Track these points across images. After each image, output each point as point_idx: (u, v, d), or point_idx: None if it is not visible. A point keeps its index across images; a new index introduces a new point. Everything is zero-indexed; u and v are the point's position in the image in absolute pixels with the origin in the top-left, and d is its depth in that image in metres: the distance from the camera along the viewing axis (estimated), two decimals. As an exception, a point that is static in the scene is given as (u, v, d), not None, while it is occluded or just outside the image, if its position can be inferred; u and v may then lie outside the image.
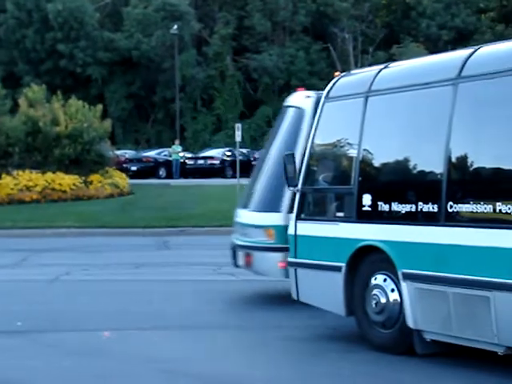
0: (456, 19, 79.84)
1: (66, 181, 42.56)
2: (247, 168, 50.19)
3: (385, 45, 77.37)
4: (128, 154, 60.80)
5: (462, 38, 68.45)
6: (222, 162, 60.50)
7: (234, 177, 45.72)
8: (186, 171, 59.40)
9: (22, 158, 43.31)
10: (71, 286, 20.81)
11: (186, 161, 61.52)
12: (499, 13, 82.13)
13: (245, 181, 40.91)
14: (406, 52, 64.92)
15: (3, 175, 41.44)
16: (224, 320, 15.71)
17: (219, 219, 34.37)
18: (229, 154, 59.86)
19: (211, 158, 62.29)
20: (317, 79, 71.08)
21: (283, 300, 14.42)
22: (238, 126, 42.72)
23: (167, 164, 60.49)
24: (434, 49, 59.65)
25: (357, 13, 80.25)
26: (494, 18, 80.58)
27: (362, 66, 50.25)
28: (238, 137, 40.27)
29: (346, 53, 74.21)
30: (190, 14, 76.55)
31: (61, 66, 74.15)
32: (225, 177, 55.81)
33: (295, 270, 14.00)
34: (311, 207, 14.08)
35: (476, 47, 12.47)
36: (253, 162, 57.02)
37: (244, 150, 56.65)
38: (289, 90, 74.41)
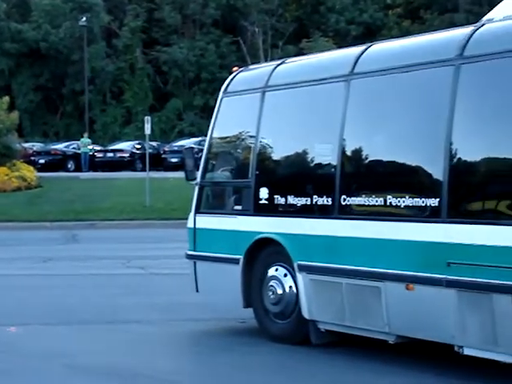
0: (364, 15, 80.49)
1: (-30, 174, 42.14)
2: (157, 161, 50.28)
3: (294, 39, 77.50)
4: (36, 146, 60.17)
5: (371, 33, 69.05)
6: (132, 154, 60.17)
7: (143, 170, 45.52)
8: (95, 164, 59.03)
9: None
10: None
11: (95, 154, 61.03)
12: (405, 9, 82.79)
13: (154, 174, 41.06)
14: (315, 46, 65.06)
15: None
16: (128, 314, 15.64)
17: (129, 212, 34.59)
18: (138, 146, 59.66)
19: (121, 150, 61.91)
20: (227, 73, 69.48)
21: (195, 294, 14.26)
22: (148, 118, 42.60)
23: (76, 157, 60.05)
24: (342, 43, 59.82)
25: (267, 7, 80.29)
26: (400, 14, 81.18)
27: (272, 59, 50.25)
28: (148, 130, 40.15)
29: (255, 46, 74.37)
30: (99, 5, 76.17)
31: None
32: (135, 170, 55.61)
33: (194, 262, 14.10)
34: (210, 200, 14.17)
35: (368, 44, 12.76)
36: (162, 155, 57.01)
37: (154, 143, 56.62)
38: (199, 83, 74.86)
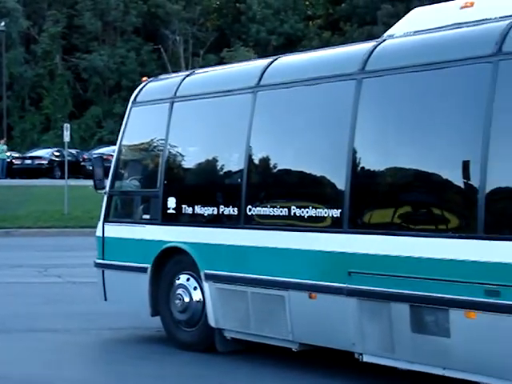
0: (285, 25, 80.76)
1: None
2: (76, 169, 50.00)
3: (216, 48, 77.67)
4: None
5: (291, 44, 69.37)
6: (51, 162, 59.62)
7: (62, 177, 45.26)
8: (12, 171, 58.33)
9: None
10: None
11: (13, 160, 60.42)
12: (326, 20, 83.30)
13: (73, 181, 40.89)
14: (236, 56, 65.11)
15: None
16: (45, 323, 15.45)
17: (46, 220, 34.40)
18: (57, 154, 59.15)
19: (39, 157, 61.38)
20: (148, 80, 70.58)
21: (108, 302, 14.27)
22: (67, 126, 42.43)
23: (-8, 164, 59.60)
24: (263, 53, 60.07)
25: (188, 15, 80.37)
26: (321, 25, 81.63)
27: (193, 68, 50.21)
28: (67, 137, 39.96)
29: (177, 55, 74.45)
30: (18, 10, 75.58)
31: None
32: (53, 177, 55.08)
33: (103, 271, 14.10)
34: (119, 209, 14.18)
35: (275, 57, 12.88)
36: (82, 163, 56.61)
37: (73, 151, 56.35)
38: (119, 90, 74.64)
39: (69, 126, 43.48)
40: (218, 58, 61.25)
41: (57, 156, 58.73)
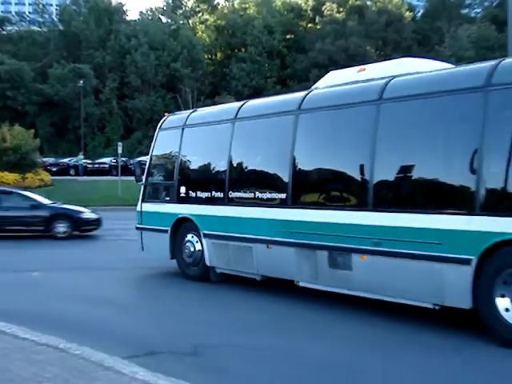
0: (253, 81, 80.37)
1: (10, 177, 41.53)
2: (125, 170, 49.58)
3: (211, 96, 76.90)
4: (50, 160, 58.62)
5: (257, 93, 68.75)
6: (110, 166, 58.94)
7: (117, 175, 44.91)
8: (87, 172, 57.96)
9: (-18, 163, 42.30)
10: None
11: (87, 165, 59.98)
12: (278, 79, 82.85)
13: (124, 177, 40.59)
14: (223, 101, 65.10)
15: (-32, 174, 40.44)
16: (107, 265, 15.35)
17: (108, 201, 34.65)
18: (114, 161, 57.96)
19: (103, 163, 60.68)
20: (169, 115, 70.97)
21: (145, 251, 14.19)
22: (120, 143, 42.62)
23: (75, 167, 58.96)
24: (239, 99, 59.78)
25: (194, 76, 79.66)
26: (275, 81, 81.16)
27: (196, 108, 49.98)
28: (120, 150, 40.21)
29: (186, 100, 73.65)
30: (90, 73, 74.93)
31: (8, 105, 72.05)
32: (112, 175, 54.32)
33: (141, 232, 14.11)
34: (150, 194, 14.03)
35: (245, 101, 12.87)
36: (129, 166, 56.34)
37: (124, 159, 55.55)
38: (152, 122, 74.41)
39: (121, 143, 43.44)
40: (212, 102, 60.52)
41: (114, 162, 57.94)
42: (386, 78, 9.74)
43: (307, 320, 9.27)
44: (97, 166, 60.82)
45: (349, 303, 9.85)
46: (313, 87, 11.56)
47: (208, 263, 12.36)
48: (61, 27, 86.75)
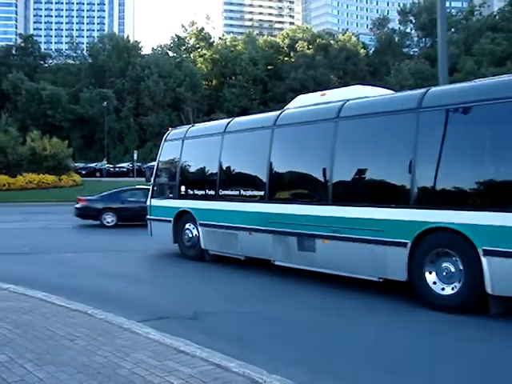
0: (241, 103, 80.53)
1: (49, 178, 41.52)
2: (139, 173, 49.26)
3: (207, 114, 76.58)
4: (80, 165, 58.11)
5: (244, 112, 68.15)
6: (128, 169, 58.68)
7: (133, 177, 44.76)
8: (109, 174, 57.57)
9: (27, 167, 41.96)
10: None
11: (109, 169, 59.45)
12: (261, 100, 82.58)
13: (138, 179, 40.35)
14: (217, 118, 64.87)
15: (18, 175, 40.49)
16: (122, 247, 15.21)
17: None
18: (131, 165, 57.78)
19: (122, 167, 60.44)
20: (175, 129, 70.37)
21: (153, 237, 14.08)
22: (135, 152, 42.85)
23: (100, 170, 58.52)
24: (231, 117, 59.62)
25: (194, 98, 79.40)
26: (259, 102, 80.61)
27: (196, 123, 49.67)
28: (135, 157, 40.39)
29: (188, 117, 73.26)
30: (112, 96, 74.80)
31: (48, 122, 71.55)
32: (129, 177, 54.07)
33: (150, 222, 13.94)
34: (158, 192, 13.84)
35: (232, 118, 12.72)
36: (142, 170, 56.04)
37: (139, 164, 55.25)
38: (162, 135, 74.03)
39: (136, 151, 43.52)
40: (208, 119, 60.27)
41: (130, 166, 57.66)
42: (342, 100, 9.74)
43: (286, 292, 9.22)
44: (117, 169, 60.50)
45: (317, 278, 9.82)
46: (285, 107, 11.51)
47: (203, 246, 12.27)
48: (90, 60, 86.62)
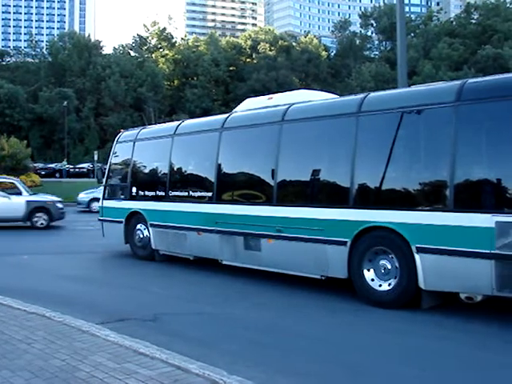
0: (203, 104, 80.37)
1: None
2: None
3: (169, 114, 76.25)
4: (40, 165, 57.31)
5: (206, 113, 68.02)
6: (88, 170, 58.01)
7: (93, 177, 44.25)
8: (69, 174, 56.89)
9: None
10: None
11: (70, 169, 58.86)
12: (223, 101, 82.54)
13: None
14: (179, 118, 64.52)
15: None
16: (82, 249, 15.12)
17: None
18: (91, 166, 57.32)
19: (82, 168, 59.92)
20: (136, 130, 69.79)
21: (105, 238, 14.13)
22: (96, 152, 42.49)
23: (60, 171, 57.78)
24: (193, 117, 59.44)
25: (156, 98, 79.00)
26: (220, 104, 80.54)
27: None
28: (95, 157, 40.10)
29: (149, 118, 72.80)
30: (73, 96, 73.93)
31: (6, 121, 70.22)
32: (89, 177, 53.56)
33: (102, 222, 13.91)
34: (109, 193, 13.84)
35: (182, 120, 12.95)
36: (103, 171, 55.59)
37: (99, 164, 54.78)
38: (122, 135, 73.46)
39: (97, 152, 43.15)
40: (170, 119, 59.97)
41: (91, 167, 57.09)
42: (287, 104, 9.97)
43: (242, 291, 9.29)
44: (77, 170, 59.87)
45: (271, 277, 9.93)
46: (233, 111, 11.65)
47: (153, 247, 12.30)
48: (49, 59, 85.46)
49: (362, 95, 8.90)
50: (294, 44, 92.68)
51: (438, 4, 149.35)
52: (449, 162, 7.30)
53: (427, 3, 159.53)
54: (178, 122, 12.59)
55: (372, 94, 8.85)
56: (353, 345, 6.28)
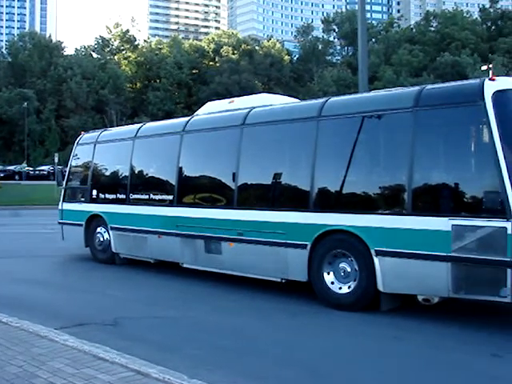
0: (165, 106, 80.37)
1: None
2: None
3: (131, 117, 75.72)
4: (-1, 168, 56.76)
5: (169, 116, 67.92)
6: (48, 172, 57.04)
7: (53, 180, 43.61)
8: (29, 177, 55.87)
9: None
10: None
11: (29, 172, 57.87)
12: (185, 104, 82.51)
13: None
14: (141, 121, 64.03)
15: None
16: (40, 252, 14.83)
17: (45, 201, 32.77)
18: (52, 168, 56.41)
19: (43, 170, 58.92)
20: (98, 132, 69.05)
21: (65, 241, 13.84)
22: (56, 154, 41.72)
23: (19, 173, 56.67)
24: (155, 120, 59.11)
25: (118, 101, 78.53)
26: (183, 107, 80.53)
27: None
28: (56, 160, 39.37)
29: (111, 120, 72.18)
30: (33, 97, 73.07)
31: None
32: (49, 180, 52.63)
33: (62, 226, 13.71)
34: (69, 195, 13.64)
35: (144, 122, 12.89)
36: (63, 173, 54.72)
37: (60, 167, 53.98)
38: (84, 137, 72.69)
39: (57, 154, 42.38)
40: (132, 122, 59.43)
41: (51, 169, 56.24)
42: (248, 108, 9.97)
43: (203, 294, 9.26)
44: (37, 172, 58.81)
45: (233, 280, 9.92)
46: (195, 114, 11.61)
47: (114, 250, 12.18)
48: (9, 59, 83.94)
49: (322, 100, 8.98)
50: (256, 48, 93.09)
51: (398, 11, 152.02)
52: (407, 167, 7.40)
53: (388, 10, 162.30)
54: (140, 125, 12.50)
55: (332, 99, 8.94)
56: (313, 347, 6.30)
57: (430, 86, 7.87)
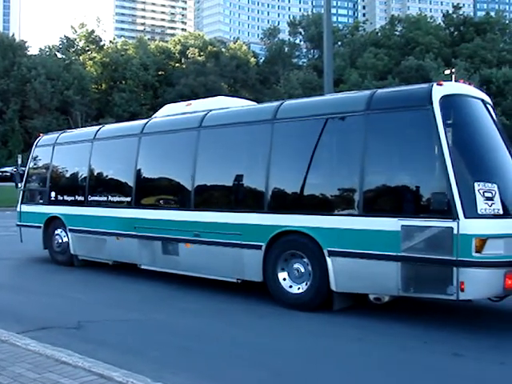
0: (131, 107, 79.57)
1: None
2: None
3: (96, 118, 74.71)
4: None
5: (134, 117, 67.49)
6: (11, 174, 56.06)
7: (16, 181, 42.77)
8: (-9, 179, 55.06)
9: None
10: None
11: (-9, 173, 57.08)
12: (151, 106, 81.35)
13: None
14: (106, 122, 63.44)
15: None
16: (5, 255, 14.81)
17: (9, 203, 31.88)
18: (15, 169, 55.27)
19: (5, 172, 57.94)
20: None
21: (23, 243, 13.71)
22: (19, 155, 41.47)
23: (-20, 175, 55.86)
24: (121, 121, 58.64)
25: (83, 102, 77.40)
26: (148, 108, 79.44)
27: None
28: (19, 161, 39.14)
29: (76, 121, 71.26)
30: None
31: None
32: (12, 182, 51.59)
33: (20, 228, 13.56)
34: (28, 197, 13.53)
35: (101, 125, 12.72)
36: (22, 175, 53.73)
37: (23, 168, 53.16)
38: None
39: (20, 156, 41.98)
40: (97, 123, 58.84)
41: (15, 171, 55.21)
42: (205, 111, 10.05)
43: (169, 297, 9.20)
44: (0, 174, 57.74)
45: (190, 282, 9.93)
46: (152, 116, 11.61)
47: (72, 252, 12.13)
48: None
49: (277, 103, 9.12)
50: (223, 50, 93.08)
51: (364, 15, 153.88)
52: (358, 169, 7.55)
53: (354, 14, 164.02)
54: (98, 127, 12.47)
55: (287, 102, 9.08)
56: (276, 349, 6.34)
57: (381, 90, 8.06)
